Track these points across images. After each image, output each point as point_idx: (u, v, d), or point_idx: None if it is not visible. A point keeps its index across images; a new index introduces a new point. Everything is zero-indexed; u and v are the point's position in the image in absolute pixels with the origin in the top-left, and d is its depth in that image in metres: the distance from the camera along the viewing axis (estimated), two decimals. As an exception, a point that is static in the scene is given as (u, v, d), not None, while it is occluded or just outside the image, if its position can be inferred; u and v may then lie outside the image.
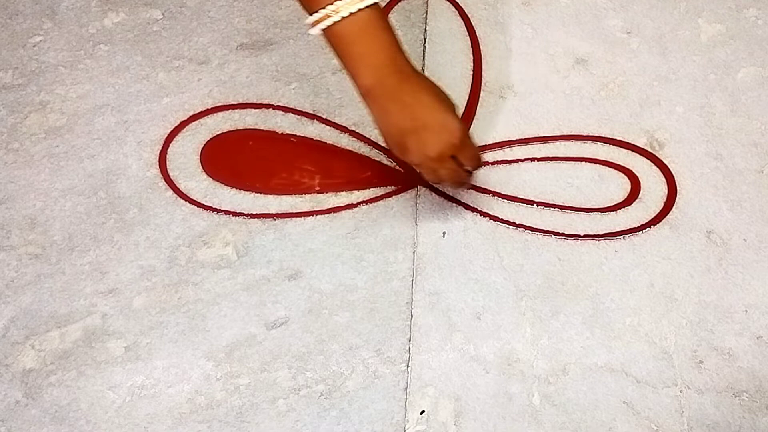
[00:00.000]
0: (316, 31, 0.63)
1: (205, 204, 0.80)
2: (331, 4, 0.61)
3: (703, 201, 0.79)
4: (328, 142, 0.83)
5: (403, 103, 0.64)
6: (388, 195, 0.80)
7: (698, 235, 0.77)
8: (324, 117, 0.85)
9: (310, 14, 0.63)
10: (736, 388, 0.69)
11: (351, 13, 0.62)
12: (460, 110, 0.85)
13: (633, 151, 0.82)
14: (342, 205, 0.79)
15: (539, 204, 0.79)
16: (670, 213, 0.78)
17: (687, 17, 0.91)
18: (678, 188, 0.80)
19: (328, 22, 0.62)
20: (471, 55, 0.89)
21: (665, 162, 0.81)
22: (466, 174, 0.69)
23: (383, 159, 0.82)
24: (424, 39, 0.90)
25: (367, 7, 0.62)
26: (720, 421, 0.68)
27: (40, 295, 0.75)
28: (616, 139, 0.83)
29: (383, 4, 0.93)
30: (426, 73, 0.88)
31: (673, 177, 0.80)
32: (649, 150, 0.82)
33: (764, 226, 0.78)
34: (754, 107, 0.85)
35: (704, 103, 0.85)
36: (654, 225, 0.78)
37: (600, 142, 0.83)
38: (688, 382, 0.70)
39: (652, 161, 0.81)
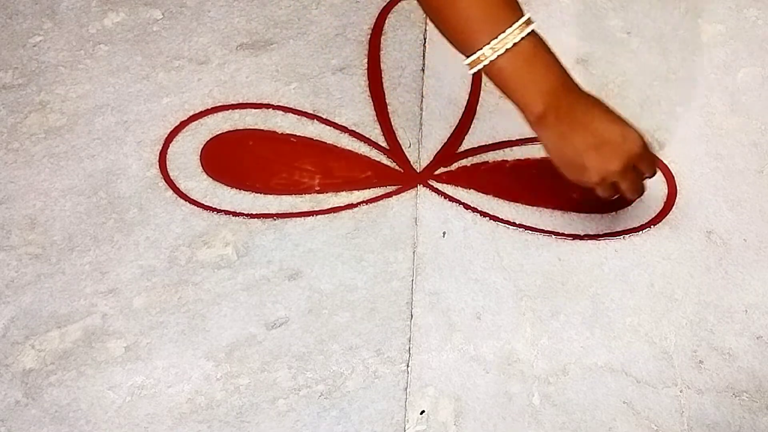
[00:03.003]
0: (476, 70, 0.63)
1: (205, 204, 0.80)
2: (493, 39, 0.60)
3: (703, 201, 0.79)
4: (328, 142, 0.83)
5: (578, 122, 0.63)
6: (388, 195, 0.80)
7: (698, 235, 0.77)
8: (324, 117, 0.85)
9: (467, 55, 0.62)
10: (736, 388, 0.69)
11: (515, 44, 0.61)
12: (461, 110, 0.85)
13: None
14: (342, 205, 0.79)
15: (539, 204, 0.79)
16: (670, 213, 0.78)
17: (687, 17, 0.91)
18: (678, 188, 0.80)
19: (491, 58, 0.61)
20: (471, 55, 0.89)
21: (665, 162, 0.81)
22: (642, 182, 0.69)
23: (383, 159, 0.82)
24: (424, 39, 0.90)
25: (527, 35, 0.61)
26: (720, 421, 0.68)
27: (40, 295, 0.75)
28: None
29: (382, 5, 0.93)
30: (426, 73, 0.88)
31: (673, 177, 0.80)
32: (649, 150, 0.82)
33: (764, 226, 0.78)
34: (754, 107, 0.85)
35: (704, 103, 0.85)
36: (654, 225, 0.78)
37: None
38: (688, 382, 0.70)
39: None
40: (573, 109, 0.63)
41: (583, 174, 0.65)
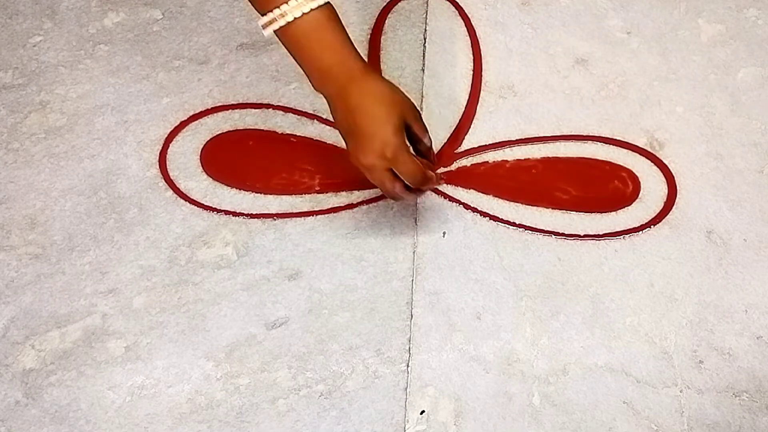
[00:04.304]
0: (268, 32, 0.64)
1: (205, 204, 0.80)
2: (285, 4, 0.62)
3: (703, 201, 0.79)
4: (328, 142, 0.83)
5: (347, 105, 0.65)
6: (388, 195, 0.80)
7: (698, 235, 0.77)
8: (324, 117, 0.84)
9: (262, 15, 0.63)
10: (736, 388, 0.69)
11: (303, 13, 0.62)
12: (461, 110, 0.85)
13: (633, 151, 0.82)
14: (342, 205, 0.79)
15: (539, 204, 0.79)
16: (670, 213, 0.78)
17: (687, 17, 0.91)
18: (678, 188, 0.80)
19: (279, 23, 0.63)
20: (471, 55, 0.89)
21: (665, 162, 0.81)
22: (401, 189, 0.67)
23: (383, 159, 0.82)
24: (424, 39, 0.90)
25: (318, 7, 0.62)
26: (720, 421, 0.68)
27: (40, 295, 0.75)
28: (616, 139, 0.83)
29: (382, 5, 0.93)
30: (426, 73, 0.88)
31: (673, 177, 0.80)
32: (649, 150, 0.82)
33: (764, 226, 0.78)
34: (754, 107, 0.85)
35: (704, 103, 0.85)
36: (654, 225, 0.78)
37: (600, 142, 0.83)
38: (688, 382, 0.70)
39: (652, 161, 0.81)
40: (345, 92, 0.65)
41: (348, 152, 0.67)
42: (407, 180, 0.67)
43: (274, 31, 0.64)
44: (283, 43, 0.65)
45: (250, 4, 0.65)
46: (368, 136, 0.64)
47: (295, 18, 0.62)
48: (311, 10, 0.62)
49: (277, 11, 0.62)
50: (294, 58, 0.65)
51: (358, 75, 0.65)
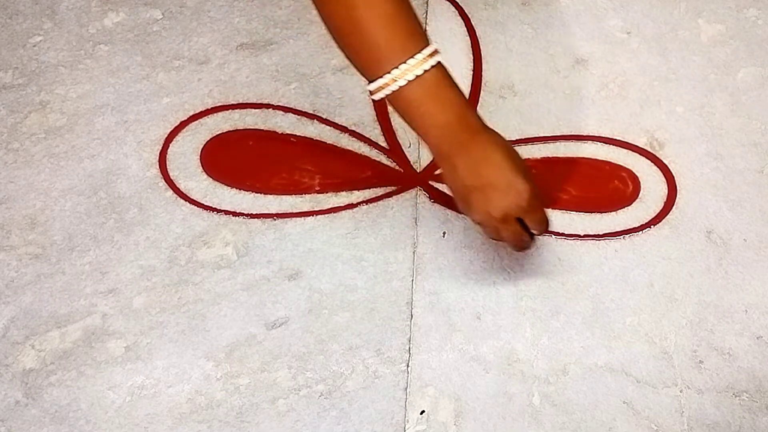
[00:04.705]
0: (379, 96, 0.62)
1: (205, 204, 0.80)
2: (395, 68, 0.60)
3: (703, 201, 0.79)
4: (328, 142, 0.83)
5: (471, 159, 0.63)
6: (388, 195, 0.80)
7: (698, 235, 0.77)
8: (324, 117, 0.85)
9: (370, 81, 0.61)
10: (736, 388, 0.69)
11: (417, 76, 0.60)
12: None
13: (633, 151, 0.82)
14: (342, 205, 0.79)
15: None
16: (670, 213, 0.78)
17: (687, 17, 0.91)
18: (678, 188, 0.80)
19: (393, 87, 0.61)
20: (471, 55, 0.89)
21: (665, 162, 0.81)
22: (529, 237, 0.67)
23: (383, 159, 0.82)
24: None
25: (432, 67, 0.61)
26: (720, 421, 0.68)
27: (40, 295, 0.75)
28: (616, 139, 0.83)
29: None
30: (426, 73, 0.87)
31: (673, 177, 0.80)
32: (649, 150, 0.82)
33: (764, 226, 0.78)
34: (754, 107, 0.85)
35: (704, 103, 0.85)
36: (654, 225, 0.78)
37: (600, 142, 0.83)
38: (688, 382, 0.70)
39: (652, 161, 0.81)
40: (467, 147, 0.63)
41: (468, 211, 0.65)
42: (536, 227, 0.66)
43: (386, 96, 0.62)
44: (394, 105, 0.63)
45: (356, 70, 0.63)
46: (501, 186, 0.63)
47: (413, 78, 0.60)
48: (426, 70, 0.60)
49: (394, 72, 0.60)
50: (407, 119, 0.63)
51: (478, 128, 0.63)
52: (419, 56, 0.60)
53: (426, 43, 0.61)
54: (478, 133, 0.64)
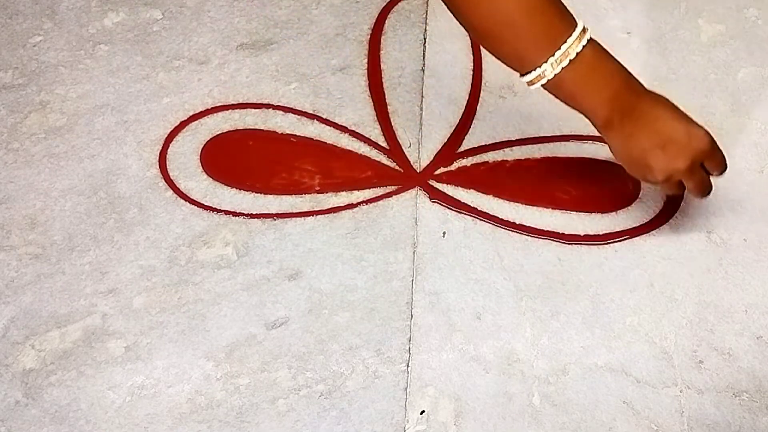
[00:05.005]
0: (537, 86, 0.62)
1: (205, 204, 0.80)
2: (554, 53, 0.60)
3: (703, 201, 0.79)
4: (328, 142, 0.83)
5: (643, 122, 0.63)
6: (388, 195, 0.80)
7: (698, 235, 0.77)
8: (324, 117, 0.85)
9: (524, 72, 0.62)
10: (736, 388, 0.69)
11: (571, 61, 0.60)
12: (461, 110, 0.85)
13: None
14: (342, 205, 0.79)
15: (539, 204, 0.79)
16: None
17: (687, 17, 0.91)
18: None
19: (555, 73, 0.61)
20: (471, 55, 0.89)
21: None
22: (709, 180, 0.68)
23: (383, 159, 0.82)
24: (424, 39, 0.90)
25: (584, 47, 0.61)
26: (720, 421, 0.68)
27: (40, 295, 0.75)
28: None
29: (382, 5, 0.93)
30: (426, 73, 0.88)
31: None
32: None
33: (764, 226, 0.78)
34: (754, 107, 0.85)
35: (704, 103, 0.85)
36: (660, 227, 0.78)
37: (600, 142, 0.83)
38: (688, 382, 0.70)
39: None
40: (637, 110, 0.63)
41: (649, 173, 0.65)
42: (718, 168, 0.67)
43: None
44: (554, 91, 0.63)
45: (506, 65, 0.63)
46: (682, 138, 0.63)
47: (575, 56, 0.60)
48: (578, 54, 0.60)
49: (546, 65, 0.61)
50: (571, 100, 0.63)
51: (641, 90, 0.64)
52: (573, 37, 0.60)
53: (575, 21, 0.61)
54: (643, 94, 0.64)
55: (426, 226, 0.78)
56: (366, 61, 0.88)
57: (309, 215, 0.79)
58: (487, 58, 0.88)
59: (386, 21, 0.92)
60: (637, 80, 0.65)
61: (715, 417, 0.68)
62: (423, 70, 0.88)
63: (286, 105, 0.85)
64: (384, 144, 0.83)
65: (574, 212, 0.79)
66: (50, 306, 0.74)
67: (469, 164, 0.82)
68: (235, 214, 0.79)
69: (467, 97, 0.86)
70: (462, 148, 0.83)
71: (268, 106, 0.86)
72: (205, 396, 0.70)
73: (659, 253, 0.76)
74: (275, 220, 0.79)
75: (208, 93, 0.87)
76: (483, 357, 0.71)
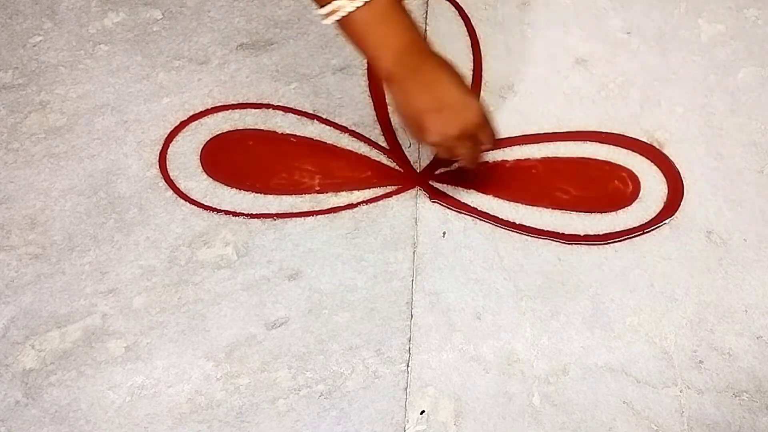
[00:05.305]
0: (330, 21, 0.63)
1: (205, 204, 0.80)
2: None
3: (703, 201, 0.79)
4: (328, 142, 0.83)
5: (424, 83, 0.64)
6: (388, 195, 0.80)
7: (698, 235, 0.77)
8: (324, 117, 0.85)
9: (321, 6, 0.62)
10: (736, 388, 0.69)
11: (366, 2, 0.61)
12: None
13: (633, 149, 0.82)
14: (342, 205, 0.79)
15: (539, 204, 0.79)
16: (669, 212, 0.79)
17: (687, 17, 0.91)
18: (679, 187, 0.80)
19: (343, 12, 0.62)
20: (471, 55, 0.89)
21: (666, 156, 0.81)
22: (480, 151, 0.70)
23: (383, 159, 0.82)
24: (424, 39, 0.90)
25: None
26: (720, 421, 0.68)
27: (40, 295, 0.75)
28: (615, 134, 0.83)
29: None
30: (426, 73, 0.88)
31: (673, 177, 0.80)
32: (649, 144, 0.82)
33: (764, 226, 0.78)
34: (754, 107, 0.85)
35: (704, 103, 0.85)
36: (658, 225, 0.78)
37: (600, 141, 0.83)
38: (688, 382, 0.70)
39: (652, 159, 0.81)
40: (420, 70, 0.64)
41: (423, 134, 0.66)
42: (489, 140, 0.69)
43: (337, 21, 0.63)
44: (345, 32, 0.64)
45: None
46: (456, 105, 0.65)
47: (361, 5, 0.61)
48: None
49: (340, 1, 0.61)
50: (359, 44, 0.64)
51: (428, 52, 0.65)
52: None
53: None
54: (429, 56, 0.65)
55: (426, 226, 0.78)
56: (366, 61, 0.89)
57: (309, 215, 0.79)
58: (487, 58, 0.89)
59: (386, 21, 0.91)
60: (427, 43, 0.66)
61: (715, 417, 0.68)
62: (423, 70, 0.88)
63: (286, 105, 0.86)
64: (384, 144, 0.83)
65: (574, 212, 0.79)
66: (50, 306, 0.74)
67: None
68: (235, 214, 0.79)
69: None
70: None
71: (268, 106, 0.86)
72: (205, 396, 0.70)
73: (659, 253, 0.76)
74: (275, 220, 0.79)
75: (208, 93, 0.87)
76: (483, 357, 0.71)
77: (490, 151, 0.72)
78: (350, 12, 0.62)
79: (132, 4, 0.93)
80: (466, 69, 0.88)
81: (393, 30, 0.63)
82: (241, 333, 0.73)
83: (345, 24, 0.63)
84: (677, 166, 0.81)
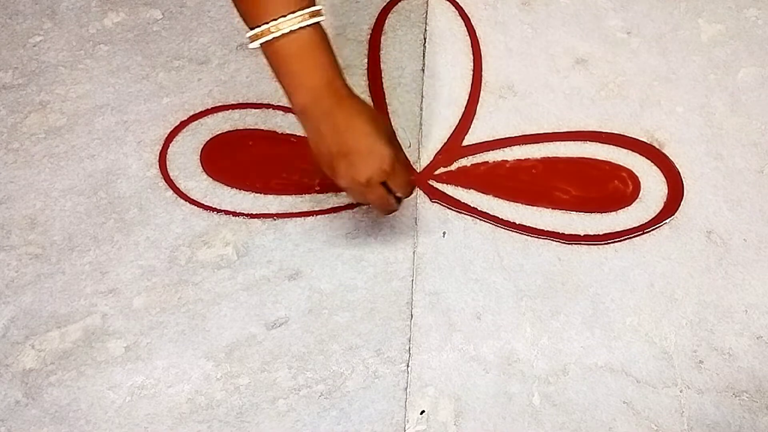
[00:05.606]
0: (256, 45, 0.63)
1: (205, 204, 0.80)
2: (274, 20, 0.61)
3: (703, 201, 0.79)
4: (328, 142, 0.83)
5: (335, 126, 0.64)
6: (388, 195, 0.80)
7: (698, 235, 0.77)
8: (324, 117, 0.84)
9: (251, 28, 0.63)
10: (736, 388, 0.69)
11: (292, 31, 0.61)
12: (461, 110, 0.85)
13: (633, 148, 0.82)
14: (342, 205, 0.79)
15: (539, 204, 0.79)
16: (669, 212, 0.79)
17: (687, 17, 0.91)
18: (679, 187, 0.80)
19: (269, 37, 0.62)
20: (471, 55, 0.89)
21: (666, 155, 0.81)
22: (394, 200, 0.68)
23: (383, 159, 0.82)
24: (424, 39, 0.90)
25: (309, 26, 0.62)
26: (720, 421, 0.68)
27: (40, 295, 0.75)
28: (615, 134, 0.83)
29: (382, 5, 0.93)
30: (426, 73, 0.88)
31: (674, 177, 0.80)
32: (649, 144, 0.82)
33: (764, 226, 0.78)
34: (754, 107, 0.85)
35: (704, 103, 0.85)
36: (654, 225, 0.78)
37: (599, 141, 0.83)
38: (688, 382, 0.70)
39: (652, 159, 0.81)
40: (333, 112, 0.64)
41: (334, 176, 0.66)
42: (400, 190, 0.68)
43: (261, 45, 0.63)
44: (269, 58, 0.64)
45: (240, 16, 0.64)
46: (364, 152, 0.64)
47: (288, 32, 0.61)
48: (303, 27, 0.62)
49: (272, 23, 0.61)
50: (278, 74, 0.64)
51: (345, 95, 0.65)
52: (300, 12, 0.61)
53: (312, 3, 0.62)
54: (344, 99, 0.65)
55: (426, 226, 0.78)
56: (366, 61, 0.89)
57: (309, 215, 0.79)
58: (487, 58, 0.89)
59: (386, 21, 0.92)
60: (345, 84, 0.65)
61: (715, 417, 0.68)
62: (423, 70, 0.88)
63: (286, 105, 0.85)
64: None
65: (574, 212, 0.79)
66: (50, 306, 0.74)
67: (469, 164, 0.82)
68: (235, 214, 0.79)
69: (467, 97, 0.86)
70: (462, 148, 0.83)
71: (268, 106, 0.86)
72: (205, 396, 0.70)
73: (659, 253, 0.76)
74: (275, 220, 0.79)
75: (208, 93, 0.87)
76: (483, 357, 0.71)
77: (408, 196, 0.71)
78: (275, 38, 0.62)
79: (132, 4, 0.93)
80: (466, 69, 0.88)
81: (313, 67, 0.63)
82: (241, 333, 0.73)
83: (268, 51, 0.63)
84: (677, 166, 0.81)
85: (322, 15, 0.63)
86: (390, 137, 0.66)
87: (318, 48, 0.63)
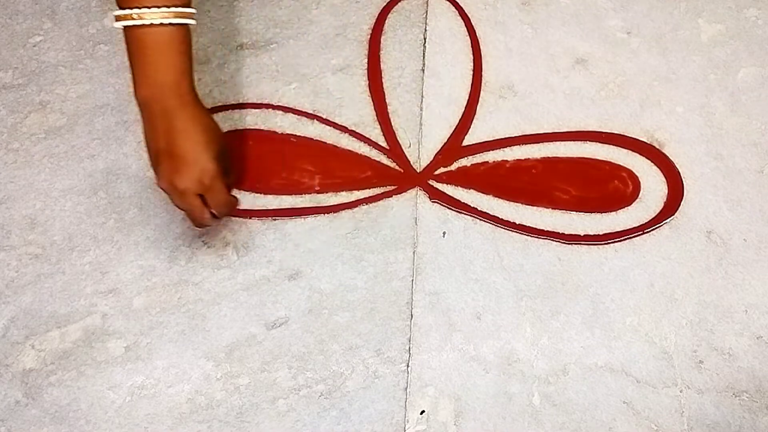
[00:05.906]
0: (118, 25, 0.63)
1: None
2: (138, 8, 0.61)
3: (703, 201, 0.79)
4: (328, 142, 0.83)
5: (170, 127, 0.64)
6: (388, 195, 0.80)
7: (698, 235, 0.77)
8: (324, 117, 0.85)
9: (120, 7, 0.63)
10: (736, 388, 0.69)
11: (153, 24, 0.62)
12: (461, 110, 0.85)
13: (633, 148, 0.82)
14: (342, 204, 0.79)
15: (539, 204, 0.79)
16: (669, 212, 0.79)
17: (687, 17, 0.91)
18: (679, 187, 0.80)
19: (129, 23, 0.62)
20: (471, 55, 0.89)
21: (665, 155, 0.81)
22: (209, 216, 0.68)
23: (383, 159, 0.82)
24: (424, 39, 0.90)
25: (172, 25, 0.62)
26: (720, 421, 0.68)
27: (40, 295, 0.75)
28: (615, 134, 0.83)
29: (382, 5, 0.93)
30: (426, 73, 0.88)
31: (674, 177, 0.80)
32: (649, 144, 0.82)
33: (764, 226, 0.78)
34: (754, 107, 0.85)
35: (704, 103, 0.85)
36: (654, 225, 0.78)
37: (600, 141, 0.83)
38: (688, 382, 0.70)
39: (652, 159, 0.81)
40: (173, 113, 0.64)
41: (156, 173, 0.66)
42: (216, 207, 0.68)
43: (124, 28, 0.63)
44: (127, 43, 0.64)
45: None
46: (189, 160, 0.65)
47: (150, 24, 0.62)
48: (170, 24, 0.62)
49: (136, 10, 0.62)
50: (132, 60, 0.64)
51: (189, 101, 0.65)
52: (167, 10, 0.62)
53: (188, 4, 0.63)
54: (187, 104, 0.65)
55: (426, 226, 0.78)
56: (366, 61, 0.89)
57: (309, 215, 0.79)
58: (487, 58, 0.89)
59: (386, 21, 0.92)
60: (194, 94, 0.66)
61: (715, 417, 0.68)
62: (423, 70, 0.88)
63: (286, 105, 0.85)
64: (384, 144, 0.83)
65: (574, 212, 0.79)
66: (50, 306, 0.74)
67: (469, 164, 0.82)
68: (235, 214, 0.79)
69: (467, 97, 0.86)
70: (462, 148, 0.83)
71: (268, 106, 0.86)
72: (205, 396, 0.70)
73: (659, 253, 0.76)
74: (275, 220, 0.79)
75: (208, 93, 0.87)
76: (483, 357, 0.71)
77: (233, 217, 0.72)
78: (136, 26, 0.62)
79: (132, 4, 0.93)
80: (466, 69, 0.88)
81: (164, 65, 0.64)
82: (241, 333, 0.73)
83: (128, 35, 0.63)
84: (677, 166, 0.81)
85: (192, 18, 0.64)
86: (220, 153, 0.67)
87: (173, 48, 0.64)
